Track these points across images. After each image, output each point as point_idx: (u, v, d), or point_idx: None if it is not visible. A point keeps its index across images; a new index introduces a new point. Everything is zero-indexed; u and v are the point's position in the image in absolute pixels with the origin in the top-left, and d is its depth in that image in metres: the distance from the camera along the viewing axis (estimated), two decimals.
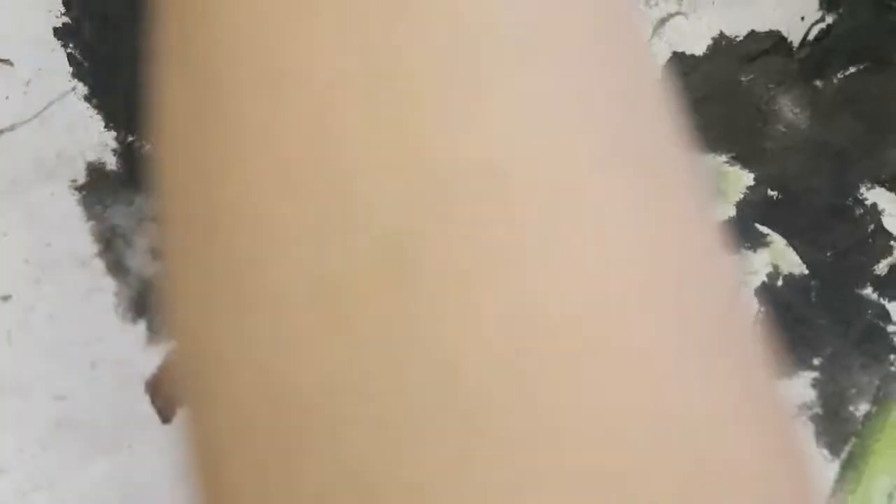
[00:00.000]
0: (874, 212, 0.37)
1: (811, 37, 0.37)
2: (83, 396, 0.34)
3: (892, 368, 0.36)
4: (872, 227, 0.37)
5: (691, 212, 0.17)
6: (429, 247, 0.15)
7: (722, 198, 0.38)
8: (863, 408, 0.36)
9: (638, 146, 0.17)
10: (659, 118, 0.18)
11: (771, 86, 0.37)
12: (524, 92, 0.16)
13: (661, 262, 0.16)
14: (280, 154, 0.16)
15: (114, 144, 0.36)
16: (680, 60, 0.37)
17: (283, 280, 0.16)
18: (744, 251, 0.38)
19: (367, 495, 0.15)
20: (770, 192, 0.37)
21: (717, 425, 0.15)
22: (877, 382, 0.36)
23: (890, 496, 0.35)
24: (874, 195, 0.37)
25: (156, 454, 0.34)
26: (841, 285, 0.37)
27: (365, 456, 0.15)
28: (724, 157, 0.37)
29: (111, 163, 0.36)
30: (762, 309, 0.38)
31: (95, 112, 0.36)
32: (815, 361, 0.37)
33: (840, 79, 0.37)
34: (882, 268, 0.37)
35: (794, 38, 0.37)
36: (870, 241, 0.37)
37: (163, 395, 0.36)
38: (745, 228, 0.38)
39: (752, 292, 0.38)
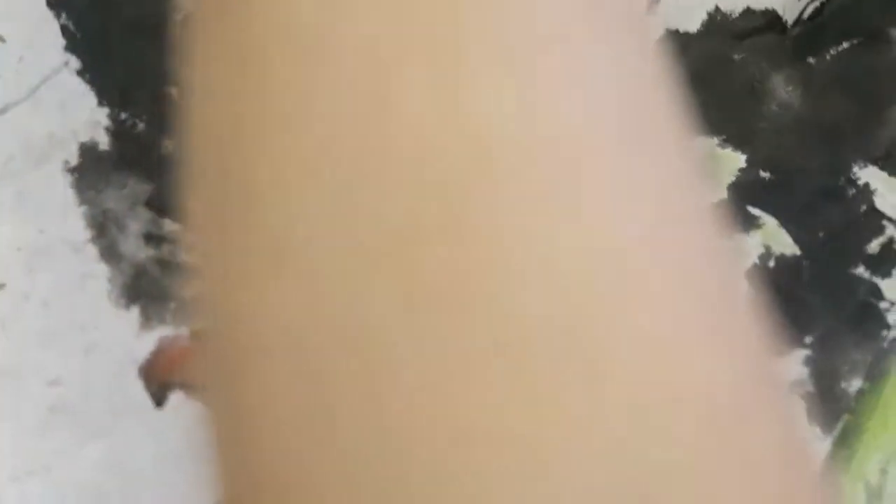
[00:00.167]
0: (866, 192, 0.37)
1: (806, 15, 0.37)
2: (77, 382, 0.34)
3: (885, 345, 0.36)
4: (864, 207, 0.37)
5: (693, 191, 0.18)
6: (464, 211, 0.15)
7: (714, 181, 0.38)
8: (855, 385, 0.37)
9: (643, 127, 0.17)
10: (660, 97, 0.18)
11: (764, 64, 0.37)
12: (546, 71, 0.16)
13: (667, 241, 0.17)
14: (315, 116, 0.16)
15: (106, 122, 0.35)
16: (673, 38, 0.37)
17: (317, 246, 0.16)
18: (736, 234, 0.38)
19: (403, 466, 0.15)
20: (762, 174, 0.37)
21: (734, 406, 0.16)
22: (869, 359, 0.36)
23: (882, 471, 0.36)
24: (866, 174, 0.37)
25: (150, 438, 0.34)
26: (833, 265, 0.37)
27: (401, 423, 0.15)
28: (716, 140, 0.37)
29: (104, 143, 0.36)
30: (754, 290, 0.38)
31: (88, 88, 0.35)
32: (808, 340, 0.37)
33: (833, 56, 0.37)
34: (874, 247, 0.37)
35: (790, 16, 0.37)
36: (862, 221, 0.37)
37: (156, 380, 0.37)
38: (736, 211, 0.38)
39: (744, 274, 0.38)
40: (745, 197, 0.37)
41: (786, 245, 0.37)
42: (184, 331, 0.34)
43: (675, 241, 0.17)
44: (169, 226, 0.35)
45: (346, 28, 0.16)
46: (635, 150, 0.17)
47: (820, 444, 0.36)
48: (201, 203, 0.18)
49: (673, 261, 0.17)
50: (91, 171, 0.35)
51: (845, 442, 0.36)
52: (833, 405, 0.37)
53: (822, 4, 0.37)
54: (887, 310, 0.36)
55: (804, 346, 0.37)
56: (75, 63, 0.35)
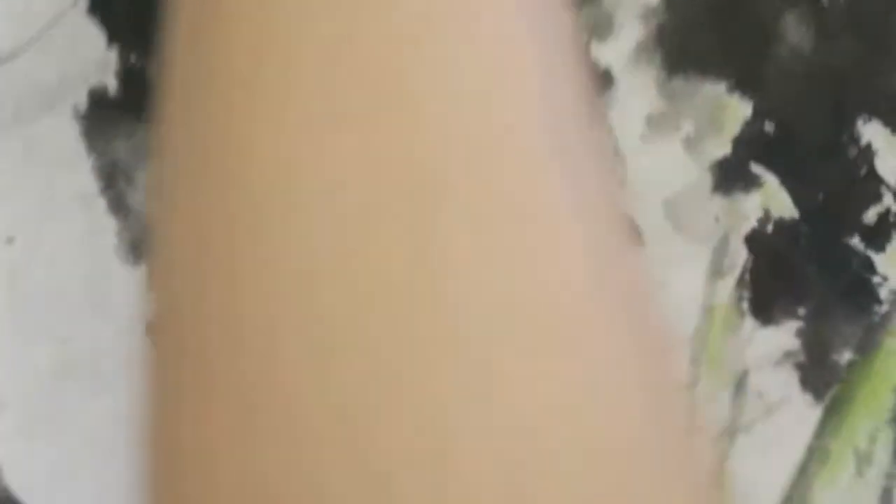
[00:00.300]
0: (868, 153, 0.37)
1: None
2: (85, 338, 0.34)
3: (876, 319, 0.37)
4: (865, 169, 0.37)
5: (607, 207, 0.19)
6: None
7: (718, 133, 0.38)
8: (846, 356, 0.37)
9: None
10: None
11: (777, 3, 0.37)
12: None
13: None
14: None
15: (116, 65, 0.35)
16: None
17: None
18: (736, 195, 0.38)
19: (358, 435, 0.15)
20: (767, 128, 0.38)
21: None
22: (861, 333, 0.37)
23: (871, 438, 0.37)
24: (870, 131, 0.37)
25: None
26: (830, 233, 0.38)
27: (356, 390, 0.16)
28: (723, 85, 0.38)
29: (113, 87, 0.35)
30: (750, 257, 0.38)
31: (98, 27, 0.34)
32: (801, 311, 0.38)
33: None
34: (870, 216, 0.37)
35: None
36: (860, 185, 0.37)
37: None
38: (739, 169, 0.38)
39: (741, 239, 0.38)
40: (749, 153, 0.38)
41: (785, 208, 0.38)
42: None
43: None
44: None
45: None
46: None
47: (812, 411, 0.37)
48: (169, 175, 0.19)
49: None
50: (100, 118, 0.34)
51: (836, 410, 0.37)
52: (824, 375, 0.38)
53: None
54: (879, 284, 0.37)
55: (797, 317, 0.38)
56: (84, 2, 0.34)
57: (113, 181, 0.34)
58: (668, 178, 0.38)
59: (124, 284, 0.33)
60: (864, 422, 0.37)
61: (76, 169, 0.33)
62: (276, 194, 0.16)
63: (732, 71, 0.37)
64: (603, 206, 0.19)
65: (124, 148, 0.33)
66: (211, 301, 0.17)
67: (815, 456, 0.37)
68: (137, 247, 0.34)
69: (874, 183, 0.37)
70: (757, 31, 0.37)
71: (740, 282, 0.38)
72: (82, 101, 0.34)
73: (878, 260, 0.37)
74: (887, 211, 0.37)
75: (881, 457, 0.37)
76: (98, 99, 0.34)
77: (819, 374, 0.38)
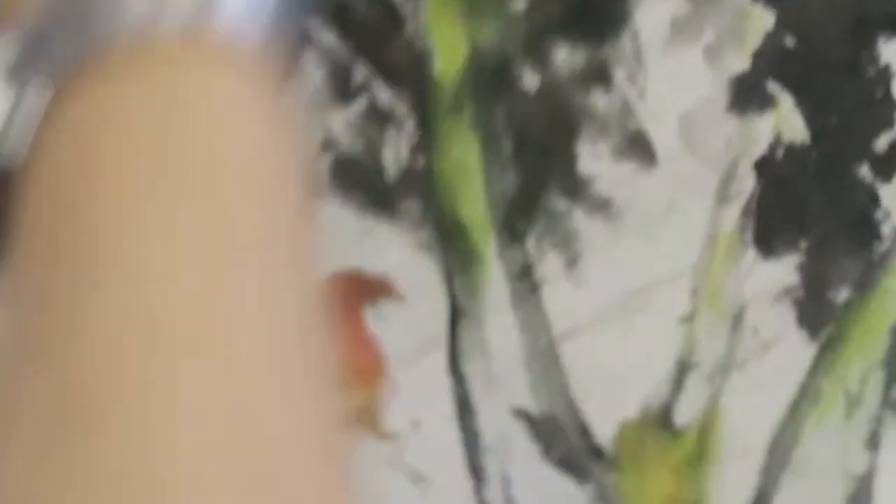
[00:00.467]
0: (885, 74, 0.35)
1: None
2: None
3: (875, 258, 0.36)
4: (881, 91, 0.35)
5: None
6: None
7: (739, 45, 0.35)
8: (843, 294, 0.36)
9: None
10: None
11: None
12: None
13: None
14: None
15: None
16: None
17: None
18: (750, 115, 0.36)
19: None
20: (787, 42, 0.35)
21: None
22: (859, 270, 0.36)
23: (863, 380, 0.36)
24: (889, 51, 0.35)
25: None
26: (839, 159, 0.36)
27: None
28: None
29: None
30: (758, 185, 0.36)
31: None
32: (803, 245, 0.36)
33: None
34: (881, 144, 0.36)
35: None
36: (875, 109, 0.36)
37: None
38: (756, 86, 0.35)
39: (751, 165, 0.36)
40: (767, 69, 0.35)
41: (797, 131, 0.35)
42: None
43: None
44: None
45: None
46: None
47: (806, 348, 0.36)
48: None
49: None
50: None
51: (830, 349, 0.36)
52: (821, 312, 0.36)
53: None
54: (882, 220, 0.36)
55: (799, 250, 0.36)
56: None
57: None
58: (686, 89, 0.35)
59: None
60: (856, 362, 0.36)
61: None
62: None
63: None
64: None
65: None
66: None
67: (807, 395, 0.36)
68: None
69: (889, 107, 0.35)
70: None
71: (746, 210, 0.36)
72: None
73: (884, 192, 0.36)
74: None
75: (871, 399, 0.36)
76: None
77: (816, 311, 0.36)
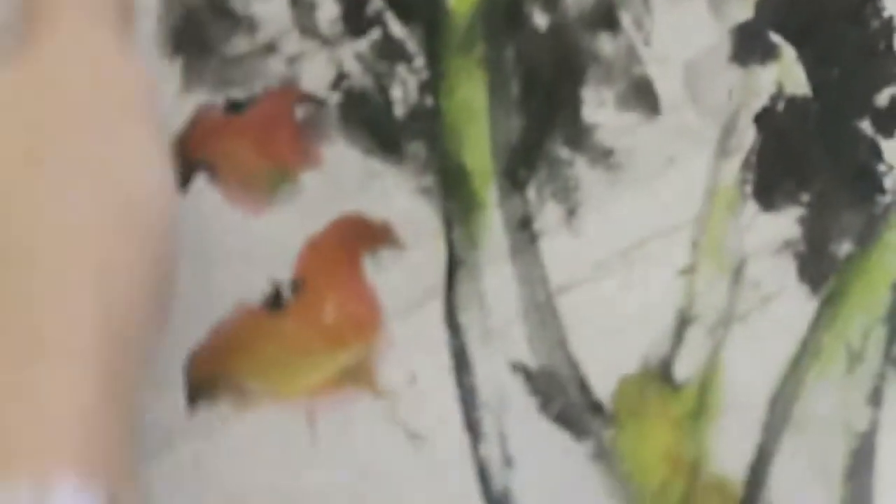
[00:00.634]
0: (888, 26, 0.35)
1: None
2: None
3: (877, 211, 0.36)
4: (883, 44, 0.35)
5: None
6: None
7: None
8: (845, 247, 0.36)
9: None
10: None
11: None
12: None
13: None
14: None
15: None
16: None
17: None
18: (752, 66, 0.36)
19: None
20: None
21: None
22: (861, 223, 0.36)
23: (864, 335, 0.36)
24: (893, 4, 0.35)
25: None
26: (841, 113, 0.36)
27: None
28: None
29: None
30: (759, 137, 0.36)
31: None
32: (804, 197, 0.36)
33: None
34: (883, 98, 0.36)
35: None
36: (878, 62, 0.35)
37: (186, 156, 0.31)
38: (758, 35, 0.35)
39: (752, 118, 0.36)
40: (770, 19, 0.35)
41: (798, 84, 0.35)
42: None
43: None
44: None
45: None
46: None
47: (807, 302, 0.36)
48: None
49: None
50: None
51: (831, 303, 0.36)
52: (822, 266, 0.36)
53: None
54: (885, 173, 0.36)
55: (800, 203, 0.36)
56: None
57: None
58: (690, 37, 0.35)
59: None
60: (858, 317, 0.36)
61: None
62: None
63: None
64: None
65: None
66: None
67: (808, 349, 0.36)
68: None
69: (891, 61, 0.35)
70: None
71: (746, 163, 0.36)
72: None
73: (886, 146, 0.36)
74: None
75: (872, 354, 0.35)
76: None
77: (817, 264, 0.36)
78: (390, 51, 0.37)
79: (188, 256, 0.33)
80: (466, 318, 0.37)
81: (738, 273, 0.36)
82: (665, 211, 0.36)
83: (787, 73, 0.36)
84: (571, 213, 0.36)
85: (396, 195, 0.36)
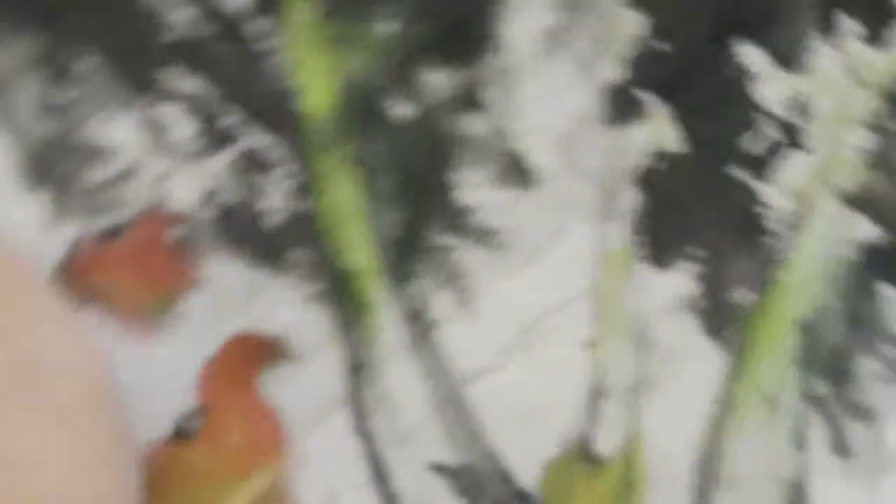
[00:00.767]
0: (741, 75, 0.36)
1: None
2: None
3: (769, 254, 0.36)
4: (739, 93, 0.36)
5: None
6: None
7: (610, 53, 0.35)
8: (744, 296, 0.35)
9: None
10: None
11: None
12: None
13: None
14: None
15: None
16: None
17: None
18: (625, 126, 0.36)
19: None
20: (657, 45, 0.35)
21: None
22: (755, 270, 0.36)
23: (778, 379, 0.35)
24: (746, 52, 0.36)
25: None
26: (714, 163, 0.36)
27: None
28: None
29: None
30: (642, 197, 0.36)
31: None
32: (696, 252, 0.36)
33: None
34: (752, 146, 0.36)
35: None
36: (740, 113, 0.36)
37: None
38: (627, 96, 0.35)
39: (631, 179, 0.36)
40: (638, 77, 0.35)
41: (671, 139, 0.35)
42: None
43: None
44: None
45: None
46: None
47: (717, 357, 0.35)
48: None
49: None
50: None
51: (739, 354, 0.35)
52: (725, 318, 0.35)
53: None
54: (765, 216, 0.36)
55: (693, 258, 0.36)
56: None
57: None
58: (559, 104, 0.35)
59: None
60: (768, 363, 0.35)
61: None
62: None
63: None
64: None
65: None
66: None
67: (724, 405, 0.35)
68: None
69: (748, 107, 0.36)
70: None
71: (632, 225, 0.36)
72: None
73: (762, 189, 0.36)
74: (768, 139, 0.36)
75: (789, 398, 0.35)
76: None
77: (720, 317, 0.35)
78: (256, 160, 0.36)
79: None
80: (376, 424, 0.35)
81: (642, 338, 0.35)
82: (558, 285, 0.35)
83: (659, 130, 0.36)
84: (464, 299, 0.35)
85: (285, 306, 0.35)
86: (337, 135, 0.35)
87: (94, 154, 0.35)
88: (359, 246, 0.35)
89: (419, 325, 0.35)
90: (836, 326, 0.35)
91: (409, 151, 0.35)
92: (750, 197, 0.35)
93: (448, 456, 0.35)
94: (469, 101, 0.36)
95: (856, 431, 0.34)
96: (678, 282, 0.35)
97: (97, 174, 0.35)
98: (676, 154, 0.36)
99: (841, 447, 0.34)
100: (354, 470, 0.35)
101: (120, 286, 0.35)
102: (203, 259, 0.35)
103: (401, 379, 0.35)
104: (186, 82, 0.36)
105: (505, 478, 0.35)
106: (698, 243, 0.36)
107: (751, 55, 0.36)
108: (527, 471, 0.35)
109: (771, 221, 0.35)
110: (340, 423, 0.35)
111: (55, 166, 0.35)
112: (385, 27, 0.36)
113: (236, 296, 0.35)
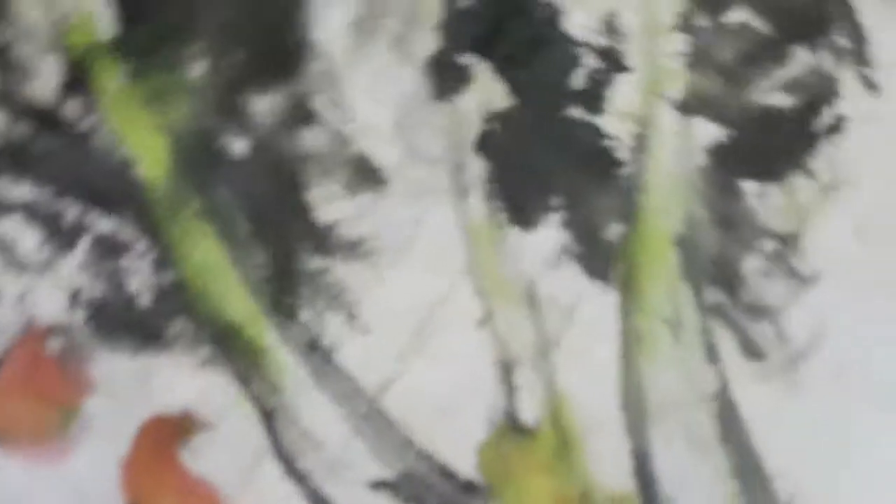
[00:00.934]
0: (553, 14, 0.35)
1: None
2: None
3: (625, 183, 0.35)
4: (554, 31, 0.35)
5: None
6: None
7: (417, 27, 0.35)
8: (616, 230, 0.35)
9: None
10: None
11: None
12: None
13: None
14: None
15: None
16: None
17: None
18: (454, 96, 0.35)
19: None
20: (463, 4, 0.35)
21: None
22: (618, 202, 0.35)
23: (673, 300, 0.35)
24: None
25: None
26: (550, 110, 0.35)
27: None
28: None
29: None
30: (489, 163, 0.35)
31: None
32: (556, 202, 0.35)
33: None
34: (577, 81, 0.35)
35: None
36: (557, 49, 0.35)
37: None
38: (449, 64, 0.35)
39: (474, 148, 0.35)
40: (454, 42, 0.35)
41: (502, 97, 0.35)
42: None
43: None
44: None
45: None
46: None
47: (607, 296, 0.35)
48: None
49: None
50: None
51: (629, 287, 0.35)
52: (603, 257, 0.35)
53: None
54: (612, 147, 0.35)
55: (556, 208, 0.35)
56: None
57: None
58: (386, 93, 0.34)
59: None
60: (658, 288, 0.35)
61: None
62: None
63: None
64: None
65: None
66: None
67: (629, 340, 0.35)
68: None
69: (567, 44, 0.35)
70: None
71: (487, 193, 0.35)
72: None
73: (602, 122, 0.35)
74: (589, 71, 0.35)
75: (689, 315, 0.34)
76: None
77: (599, 258, 0.35)
78: (110, 246, 0.36)
79: None
80: (306, 462, 0.35)
81: (532, 300, 0.35)
82: (435, 273, 0.35)
83: (487, 90, 0.35)
84: (351, 316, 0.35)
85: (182, 380, 0.35)
86: (179, 195, 0.35)
87: None
88: (235, 297, 0.35)
89: (318, 354, 0.35)
90: (711, 234, 0.34)
91: (254, 187, 0.35)
92: (591, 132, 0.35)
93: (384, 471, 0.35)
94: (301, 115, 0.35)
95: (761, 333, 0.34)
96: (549, 235, 0.35)
97: None
98: (510, 110, 0.35)
99: (751, 350, 0.34)
100: None
101: (18, 416, 0.35)
102: (90, 361, 0.35)
103: (316, 412, 0.35)
104: (16, 190, 0.36)
105: (444, 474, 0.35)
106: (556, 192, 0.35)
107: None
108: (463, 461, 0.35)
109: (618, 150, 0.35)
110: (271, 473, 0.35)
111: None
112: (195, 68, 0.35)
113: (132, 386, 0.35)
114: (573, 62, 0.35)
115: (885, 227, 0.33)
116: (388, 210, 0.35)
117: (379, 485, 0.35)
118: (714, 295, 0.34)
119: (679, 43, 0.35)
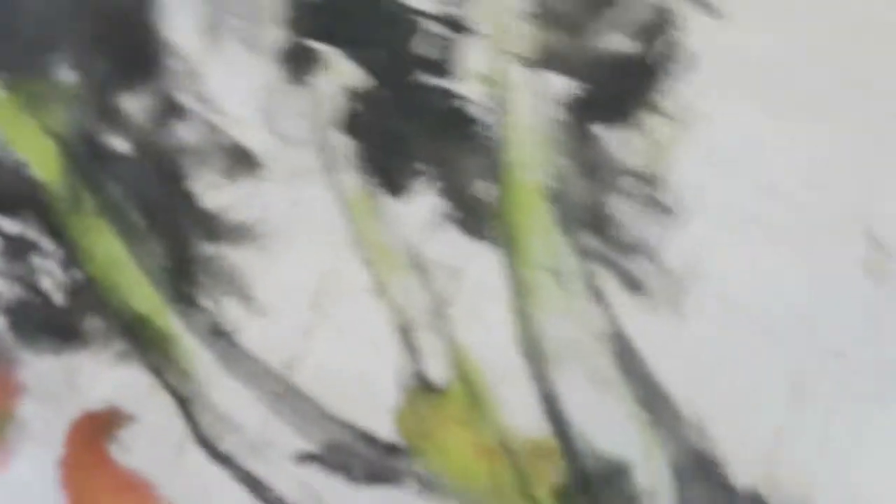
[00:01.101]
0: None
1: None
2: None
3: (483, 140, 0.34)
4: (391, 3, 0.34)
5: None
6: None
7: (264, 20, 0.35)
8: (487, 188, 0.35)
9: None
10: None
11: None
12: None
13: None
14: None
15: None
16: None
17: None
18: (309, 80, 0.35)
19: None
20: None
21: None
22: (485, 161, 0.35)
23: (550, 249, 0.34)
24: None
25: None
26: (403, 81, 0.35)
27: None
28: None
29: None
30: (355, 140, 0.35)
31: None
32: (425, 168, 0.35)
33: None
34: (425, 49, 0.35)
35: None
36: (396, 23, 0.35)
37: None
38: (299, 51, 0.35)
39: (338, 127, 0.35)
40: (302, 29, 0.35)
41: (357, 77, 0.35)
42: None
43: None
44: None
45: None
46: None
47: (486, 253, 0.35)
48: None
49: None
50: None
51: (508, 241, 0.35)
52: (478, 216, 0.35)
53: None
54: (469, 109, 0.35)
55: (425, 174, 0.35)
56: None
57: None
58: (247, 83, 0.35)
59: None
60: (535, 239, 0.34)
61: None
62: None
63: None
64: None
65: None
66: None
67: (518, 292, 0.34)
68: None
69: (407, 15, 0.34)
70: None
71: (358, 168, 0.35)
72: None
73: (451, 85, 0.35)
74: (437, 37, 0.35)
75: (568, 262, 0.34)
76: None
77: (474, 217, 0.35)
78: (18, 248, 0.37)
79: None
80: (229, 445, 0.36)
81: (420, 266, 0.35)
82: (323, 249, 0.35)
83: (341, 73, 0.35)
84: (247, 298, 0.36)
85: (102, 375, 0.36)
86: (75, 194, 0.36)
87: None
88: (140, 290, 0.36)
89: (222, 339, 0.36)
90: (577, 182, 0.34)
91: (142, 182, 0.36)
92: (446, 98, 0.35)
93: (307, 445, 0.36)
94: (171, 111, 0.35)
95: (640, 269, 0.33)
96: (425, 202, 0.35)
97: None
98: (366, 87, 0.35)
99: (634, 285, 0.34)
100: (230, 494, 0.36)
101: None
102: (13, 366, 0.36)
103: (229, 395, 0.36)
104: None
105: (366, 440, 0.35)
106: (423, 159, 0.35)
107: None
108: (382, 426, 0.35)
109: (475, 112, 0.34)
110: (197, 459, 0.36)
111: None
112: (66, 75, 0.36)
113: (60, 386, 0.36)
114: (416, 32, 0.34)
115: (739, 158, 0.32)
116: (268, 193, 0.35)
117: (305, 457, 0.36)
118: (589, 239, 0.34)
119: (522, 2, 0.34)
